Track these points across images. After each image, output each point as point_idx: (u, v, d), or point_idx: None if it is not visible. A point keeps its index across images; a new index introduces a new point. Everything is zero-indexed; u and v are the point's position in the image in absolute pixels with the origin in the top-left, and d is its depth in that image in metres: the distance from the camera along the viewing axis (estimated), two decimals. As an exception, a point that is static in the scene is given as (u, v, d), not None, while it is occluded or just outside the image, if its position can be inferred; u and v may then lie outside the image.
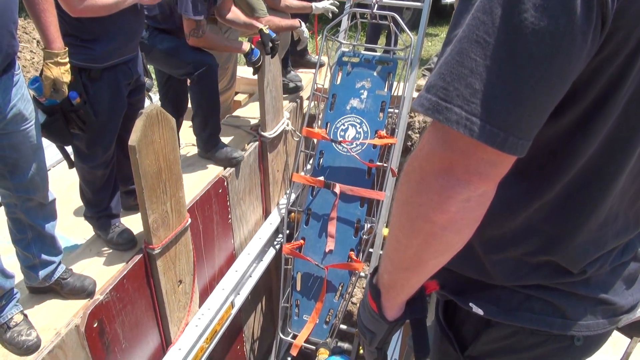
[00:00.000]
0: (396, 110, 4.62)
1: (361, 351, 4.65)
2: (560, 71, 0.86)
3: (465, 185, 0.90)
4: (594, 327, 1.22)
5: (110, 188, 3.19)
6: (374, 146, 4.52)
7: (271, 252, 4.80)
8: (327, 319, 4.45)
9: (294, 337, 4.60)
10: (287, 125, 4.80)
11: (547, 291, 1.19)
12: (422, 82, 5.72)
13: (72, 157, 3.02)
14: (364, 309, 1.28)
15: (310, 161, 4.86)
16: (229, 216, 4.20)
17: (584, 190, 1.08)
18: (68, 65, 2.56)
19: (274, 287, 5.31)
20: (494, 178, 0.91)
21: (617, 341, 2.89)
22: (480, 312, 1.24)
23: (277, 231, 4.87)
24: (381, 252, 4.56)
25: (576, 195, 1.09)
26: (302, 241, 4.52)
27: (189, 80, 3.91)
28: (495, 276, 1.20)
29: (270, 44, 4.03)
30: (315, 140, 4.71)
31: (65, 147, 2.97)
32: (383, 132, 4.52)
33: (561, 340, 1.24)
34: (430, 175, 0.92)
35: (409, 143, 5.90)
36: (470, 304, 1.25)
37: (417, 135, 5.90)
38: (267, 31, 4.04)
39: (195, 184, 3.86)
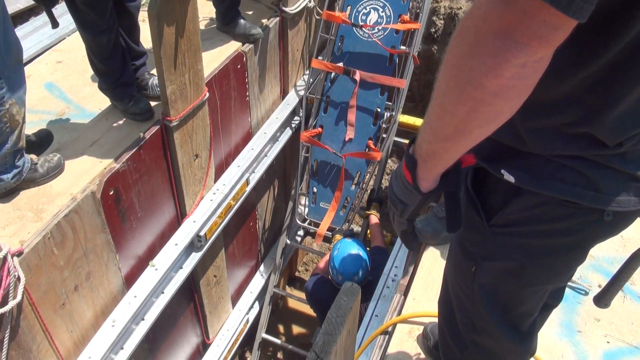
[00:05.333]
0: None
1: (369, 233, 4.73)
2: None
3: (523, 49, 0.84)
4: (625, 204, 1.20)
5: (119, 56, 3.06)
6: (397, 31, 4.32)
7: (287, 134, 4.76)
8: (344, 207, 4.49)
9: (310, 223, 4.65)
10: (310, 1, 4.59)
11: (582, 162, 1.17)
12: None
13: (56, 18, 2.76)
14: (397, 180, 1.26)
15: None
16: (247, 93, 4.12)
17: (631, 62, 1.03)
18: None
19: (288, 169, 5.33)
20: (553, 43, 0.85)
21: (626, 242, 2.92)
22: (511, 179, 1.22)
23: (294, 112, 4.79)
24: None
25: (623, 67, 1.04)
26: (320, 129, 4.46)
27: None
28: (531, 145, 1.17)
29: None
30: (335, 24, 4.52)
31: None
32: (407, 17, 4.31)
33: (590, 214, 1.23)
34: (485, 37, 0.86)
35: (433, 29, 5.68)
36: (502, 171, 1.23)
37: (442, 21, 5.66)
38: None
39: (214, 58, 3.75)
